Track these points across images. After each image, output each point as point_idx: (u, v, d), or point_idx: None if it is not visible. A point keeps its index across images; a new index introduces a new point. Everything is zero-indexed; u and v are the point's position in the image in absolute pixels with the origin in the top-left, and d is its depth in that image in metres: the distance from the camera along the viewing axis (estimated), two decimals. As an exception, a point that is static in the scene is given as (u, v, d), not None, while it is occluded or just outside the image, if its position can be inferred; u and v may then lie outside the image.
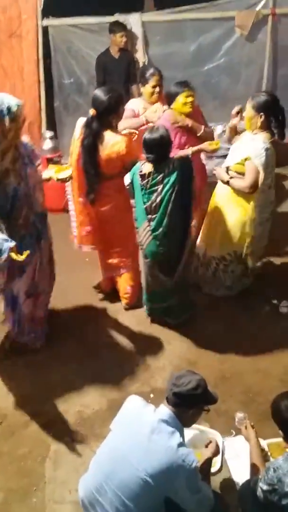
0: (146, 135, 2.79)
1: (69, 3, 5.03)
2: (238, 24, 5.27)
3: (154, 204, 2.84)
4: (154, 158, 2.79)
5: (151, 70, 3.58)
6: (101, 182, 3.00)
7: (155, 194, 2.82)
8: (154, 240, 2.89)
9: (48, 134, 4.87)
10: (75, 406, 2.74)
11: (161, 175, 2.80)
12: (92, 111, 2.87)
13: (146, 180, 2.82)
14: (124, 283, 3.35)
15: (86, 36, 5.25)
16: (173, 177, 2.78)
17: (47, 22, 4.98)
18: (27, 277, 2.79)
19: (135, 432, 1.87)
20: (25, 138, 2.66)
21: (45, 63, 5.14)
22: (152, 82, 3.48)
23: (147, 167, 2.85)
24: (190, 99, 3.31)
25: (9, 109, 2.36)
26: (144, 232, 2.91)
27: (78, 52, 5.30)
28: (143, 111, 3.56)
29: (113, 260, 3.29)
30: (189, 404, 1.90)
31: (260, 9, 5.20)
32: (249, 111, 3.00)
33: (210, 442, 2.19)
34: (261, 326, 3.23)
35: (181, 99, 3.29)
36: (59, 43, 5.21)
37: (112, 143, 2.91)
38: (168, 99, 3.37)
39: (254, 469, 2.08)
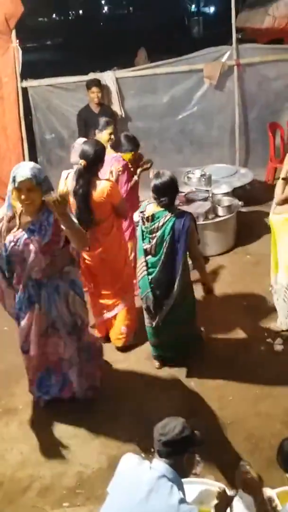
0: (156, 181, 2.85)
1: (45, 65, 5.30)
2: (207, 75, 5.60)
3: (152, 247, 2.93)
4: (168, 201, 2.86)
5: (106, 119, 3.92)
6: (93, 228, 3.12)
7: (154, 238, 2.89)
8: (147, 277, 2.96)
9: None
10: (74, 466, 2.63)
11: (161, 220, 2.85)
12: (82, 162, 3.04)
13: (148, 224, 2.90)
14: (118, 323, 3.37)
15: (63, 94, 5.51)
16: (167, 228, 2.84)
17: (26, 83, 5.22)
18: (22, 330, 2.77)
19: (133, 494, 1.78)
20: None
21: (27, 121, 5.34)
22: (109, 129, 3.80)
23: (150, 210, 2.92)
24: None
25: (14, 178, 2.45)
26: (140, 267, 3.00)
27: (57, 109, 5.54)
28: None
29: (107, 301, 3.34)
30: (181, 449, 1.83)
31: (226, 60, 5.55)
32: None
33: (221, 492, 2.05)
34: (258, 367, 3.20)
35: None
36: (38, 102, 5.45)
37: (102, 188, 3.07)
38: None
39: None
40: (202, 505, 2.25)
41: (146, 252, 2.97)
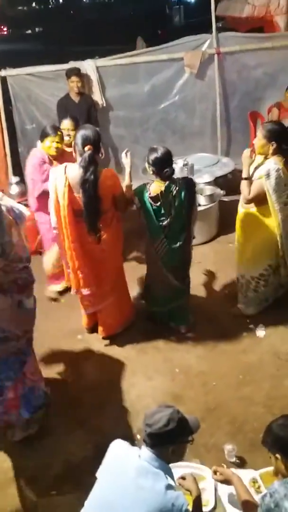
0: (155, 154, 2.92)
1: (24, 54, 5.20)
2: (187, 63, 5.58)
3: (171, 220, 3.01)
4: (171, 171, 2.95)
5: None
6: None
7: (172, 210, 2.99)
8: (172, 252, 3.08)
9: (14, 179, 4.92)
10: (60, 455, 2.64)
11: (171, 194, 2.96)
12: (88, 147, 2.85)
13: (159, 202, 2.97)
14: (109, 314, 3.37)
15: (43, 83, 5.43)
16: (182, 194, 2.98)
17: (5, 72, 5.12)
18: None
19: (121, 480, 1.81)
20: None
21: (7, 111, 5.24)
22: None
23: (155, 188, 2.98)
24: (56, 145, 3.61)
25: None
26: (161, 246, 3.10)
27: (37, 99, 5.46)
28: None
29: (100, 294, 3.28)
30: (166, 441, 1.83)
31: (206, 49, 5.53)
32: (260, 139, 3.11)
33: (183, 478, 2.06)
34: (241, 353, 3.25)
35: (48, 143, 3.60)
36: (18, 91, 5.37)
37: (105, 176, 2.94)
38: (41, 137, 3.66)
39: (247, 506, 2.00)
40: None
41: (164, 229, 3.03)
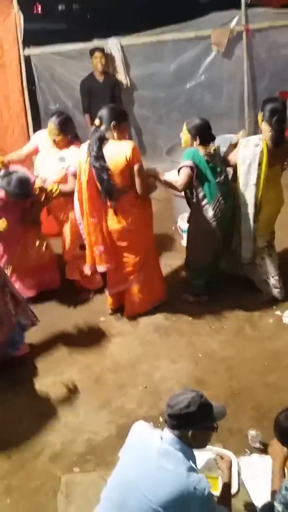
0: (195, 122, 3.14)
1: (48, 32, 5.11)
2: (214, 41, 5.39)
3: (223, 178, 3.19)
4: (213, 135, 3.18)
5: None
6: (117, 199, 3.02)
7: (221, 170, 3.19)
8: (226, 209, 3.22)
9: (37, 158, 4.89)
10: (83, 434, 2.67)
11: (218, 152, 3.21)
12: (97, 123, 2.96)
13: (213, 160, 3.13)
14: (133, 296, 3.37)
15: (67, 62, 5.33)
16: (220, 151, 3.25)
17: (29, 51, 5.06)
18: None
19: (144, 460, 1.81)
20: None
21: (30, 90, 5.19)
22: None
23: (210, 148, 3.14)
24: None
25: None
26: (218, 205, 3.18)
27: (61, 78, 5.37)
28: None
29: (124, 274, 3.29)
30: (186, 424, 1.80)
31: (234, 26, 5.33)
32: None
33: (222, 458, 2.09)
34: (266, 338, 3.20)
35: None
36: (42, 70, 5.29)
37: (120, 149, 2.92)
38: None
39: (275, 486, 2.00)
40: (210, 472, 2.30)
41: (219, 185, 3.15)
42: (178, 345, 3.21)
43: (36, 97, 5.35)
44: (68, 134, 3.42)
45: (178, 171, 3.14)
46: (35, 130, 5.25)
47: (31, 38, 5.03)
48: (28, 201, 3.28)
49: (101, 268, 3.24)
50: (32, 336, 3.25)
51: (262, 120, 3.09)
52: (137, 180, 2.98)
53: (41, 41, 5.23)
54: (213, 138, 3.18)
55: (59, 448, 2.61)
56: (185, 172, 3.09)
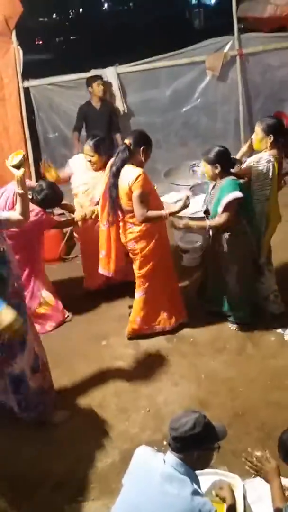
0: (221, 148, 3.13)
1: (46, 64, 5.28)
2: (209, 66, 5.55)
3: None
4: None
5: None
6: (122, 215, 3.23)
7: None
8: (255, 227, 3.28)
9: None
10: (86, 461, 2.64)
11: None
12: (126, 142, 3.12)
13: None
14: (133, 312, 3.42)
15: (65, 92, 5.50)
16: None
17: (28, 83, 5.23)
18: (29, 349, 2.62)
19: (147, 486, 1.79)
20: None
21: (30, 120, 5.34)
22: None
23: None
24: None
25: None
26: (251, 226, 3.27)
27: (59, 108, 5.53)
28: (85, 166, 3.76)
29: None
30: (192, 446, 1.79)
31: (228, 50, 5.49)
32: (258, 133, 3.20)
33: (221, 488, 2.08)
34: (269, 357, 3.19)
35: None
36: (41, 101, 5.45)
37: (128, 171, 3.07)
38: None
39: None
40: (216, 496, 2.25)
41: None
42: (180, 367, 3.19)
43: (35, 127, 5.50)
44: (102, 155, 3.61)
45: (225, 208, 3.07)
46: (35, 159, 5.39)
47: (29, 69, 5.20)
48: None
49: (101, 270, 3.46)
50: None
51: (269, 138, 3.13)
52: (134, 206, 3.07)
53: (38, 71, 5.41)
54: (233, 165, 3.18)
55: (62, 477, 2.57)
56: (234, 205, 3.07)
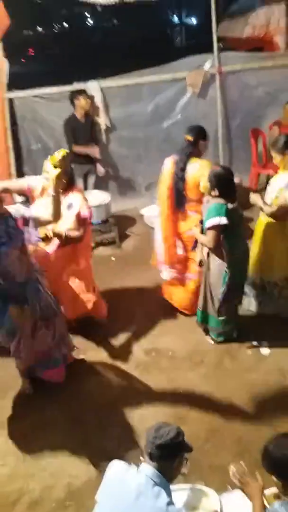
0: (216, 171, 3.11)
1: (30, 76, 5.30)
2: (190, 83, 5.67)
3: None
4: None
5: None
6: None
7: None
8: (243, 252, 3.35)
9: (20, 199, 4.95)
10: (63, 478, 2.61)
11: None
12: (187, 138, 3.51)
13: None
14: (190, 290, 3.66)
15: (49, 105, 5.52)
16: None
17: (12, 94, 5.24)
18: (15, 344, 2.88)
19: (122, 499, 1.79)
20: (13, 207, 2.69)
21: (13, 132, 5.34)
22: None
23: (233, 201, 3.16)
24: None
25: None
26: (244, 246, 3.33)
27: (43, 119, 5.55)
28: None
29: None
30: (174, 454, 1.85)
31: (208, 68, 5.63)
32: (275, 156, 3.34)
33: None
34: (245, 371, 3.21)
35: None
36: (24, 112, 5.46)
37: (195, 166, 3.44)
38: None
39: None
40: (195, 511, 2.25)
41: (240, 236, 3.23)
42: (158, 382, 3.19)
43: (18, 139, 5.49)
44: (68, 178, 3.21)
45: (209, 229, 3.04)
46: (17, 170, 5.37)
47: (12, 80, 5.21)
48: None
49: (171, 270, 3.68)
50: (9, 374, 3.20)
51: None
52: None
53: (21, 83, 5.42)
54: (234, 192, 3.09)
55: (38, 495, 2.53)
56: (218, 231, 3.01)
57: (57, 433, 2.85)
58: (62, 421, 2.93)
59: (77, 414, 2.99)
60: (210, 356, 3.36)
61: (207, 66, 5.63)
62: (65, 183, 3.14)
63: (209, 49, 5.67)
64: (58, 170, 2.66)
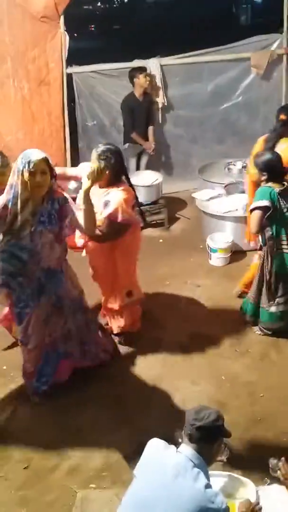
0: (264, 156, 3.10)
1: (90, 51, 5.27)
2: (254, 64, 5.45)
3: None
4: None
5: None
6: None
7: None
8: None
9: (73, 184, 4.99)
10: (101, 451, 2.67)
11: None
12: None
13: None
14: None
15: (107, 81, 5.48)
16: None
17: (72, 69, 5.24)
18: (23, 327, 2.79)
19: (159, 478, 1.81)
20: (61, 194, 2.63)
21: (70, 107, 5.36)
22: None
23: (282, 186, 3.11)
24: None
25: (27, 162, 2.42)
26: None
27: (100, 96, 5.52)
28: None
29: None
30: (214, 437, 1.87)
31: (275, 49, 5.37)
32: None
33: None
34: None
35: None
36: (82, 88, 5.45)
37: None
38: None
39: None
40: (230, 497, 2.24)
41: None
42: (200, 366, 3.18)
43: (75, 114, 5.51)
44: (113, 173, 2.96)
45: (251, 211, 3.07)
46: (72, 146, 5.42)
47: (71, 55, 5.21)
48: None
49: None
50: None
51: None
52: None
53: (80, 58, 5.41)
54: (282, 176, 3.09)
55: (77, 462, 2.62)
56: (260, 214, 3.00)
57: (98, 409, 2.91)
58: (105, 397, 2.99)
59: (120, 391, 3.03)
60: (256, 347, 3.30)
61: (274, 46, 5.38)
62: (108, 180, 2.93)
63: (278, 29, 5.40)
64: (89, 183, 2.55)
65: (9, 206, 2.51)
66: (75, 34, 5.25)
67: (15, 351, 3.29)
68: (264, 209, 3.00)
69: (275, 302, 3.19)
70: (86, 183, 2.56)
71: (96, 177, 2.60)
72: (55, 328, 2.85)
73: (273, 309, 3.22)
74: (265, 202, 2.99)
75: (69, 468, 2.59)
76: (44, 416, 2.89)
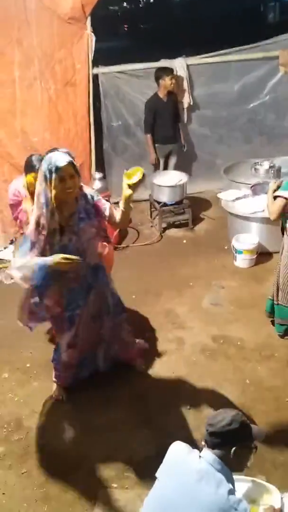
0: None
1: (116, 52, 5.27)
2: (282, 62, 5.34)
3: None
4: None
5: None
6: None
7: None
8: None
9: (98, 175, 5.03)
10: (123, 451, 2.67)
11: None
12: None
13: None
14: None
15: (133, 81, 5.48)
16: None
17: (97, 70, 5.27)
18: (75, 329, 2.79)
19: (182, 482, 1.79)
20: (89, 190, 2.65)
21: (95, 107, 5.39)
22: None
23: None
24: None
25: (56, 169, 2.37)
26: None
27: (125, 96, 5.53)
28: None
29: None
30: (228, 442, 1.80)
31: (304, 47, 5.26)
32: None
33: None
34: None
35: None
36: (108, 88, 5.47)
37: None
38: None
39: None
40: (253, 504, 2.20)
41: None
42: (225, 370, 3.14)
43: (99, 114, 5.54)
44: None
45: (274, 198, 3.04)
46: (96, 146, 5.45)
47: (97, 56, 5.23)
48: None
49: None
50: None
51: None
52: None
53: (105, 59, 5.43)
54: None
55: (99, 462, 2.62)
56: (281, 202, 2.99)
57: (121, 409, 2.91)
58: (126, 396, 2.99)
59: (142, 390, 3.03)
60: (281, 352, 3.23)
61: (303, 44, 5.27)
62: None
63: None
64: (130, 192, 2.49)
65: (43, 221, 2.45)
66: (102, 35, 5.24)
67: (39, 349, 3.34)
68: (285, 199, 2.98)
69: None
70: (127, 191, 2.49)
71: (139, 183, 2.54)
72: (95, 334, 2.89)
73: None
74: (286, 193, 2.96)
75: (91, 468, 2.60)
76: (67, 415, 2.92)
